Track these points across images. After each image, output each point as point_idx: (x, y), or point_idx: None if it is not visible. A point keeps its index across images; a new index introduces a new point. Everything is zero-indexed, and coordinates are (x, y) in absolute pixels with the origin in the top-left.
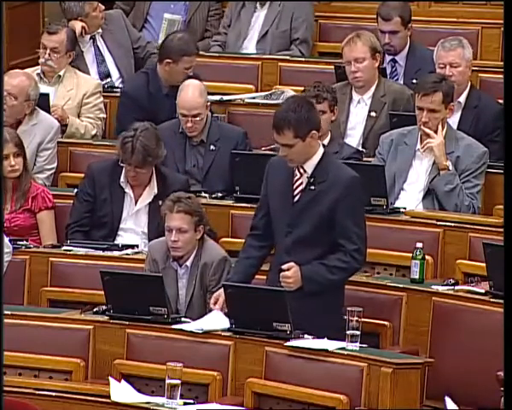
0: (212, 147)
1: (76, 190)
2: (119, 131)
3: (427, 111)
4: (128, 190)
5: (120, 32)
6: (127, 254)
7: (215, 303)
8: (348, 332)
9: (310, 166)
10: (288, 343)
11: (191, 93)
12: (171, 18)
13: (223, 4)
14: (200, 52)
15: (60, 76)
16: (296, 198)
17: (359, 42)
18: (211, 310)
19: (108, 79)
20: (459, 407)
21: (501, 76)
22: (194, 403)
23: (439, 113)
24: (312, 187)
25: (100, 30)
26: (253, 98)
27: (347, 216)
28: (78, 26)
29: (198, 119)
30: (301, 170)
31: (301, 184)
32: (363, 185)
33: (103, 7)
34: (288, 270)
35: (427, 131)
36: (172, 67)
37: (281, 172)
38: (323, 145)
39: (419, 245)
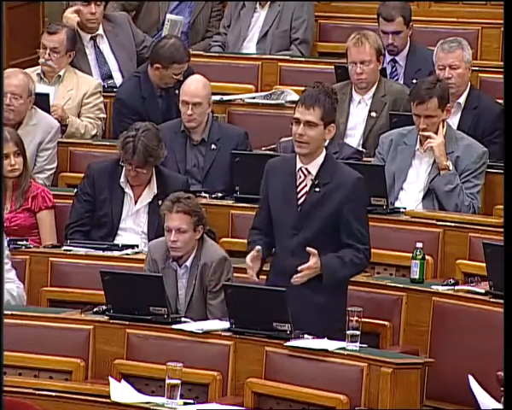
0: (212, 147)
1: (76, 190)
2: (115, 136)
3: (424, 117)
4: (128, 189)
5: (125, 34)
6: (127, 254)
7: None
8: (348, 332)
9: (314, 167)
10: (287, 343)
11: (195, 83)
12: (173, 19)
13: (223, 5)
14: (200, 52)
15: (60, 76)
16: (301, 200)
17: (367, 44)
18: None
19: (111, 81)
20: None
21: (501, 76)
22: (194, 403)
23: (436, 117)
24: (317, 189)
25: (101, 31)
26: (253, 98)
27: (355, 218)
28: (74, 20)
29: (199, 109)
30: (305, 171)
31: (305, 186)
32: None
33: (101, 9)
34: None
35: (427, 133)
36: (162, 71)
37: (282, 174)
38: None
39: (419, 245)
